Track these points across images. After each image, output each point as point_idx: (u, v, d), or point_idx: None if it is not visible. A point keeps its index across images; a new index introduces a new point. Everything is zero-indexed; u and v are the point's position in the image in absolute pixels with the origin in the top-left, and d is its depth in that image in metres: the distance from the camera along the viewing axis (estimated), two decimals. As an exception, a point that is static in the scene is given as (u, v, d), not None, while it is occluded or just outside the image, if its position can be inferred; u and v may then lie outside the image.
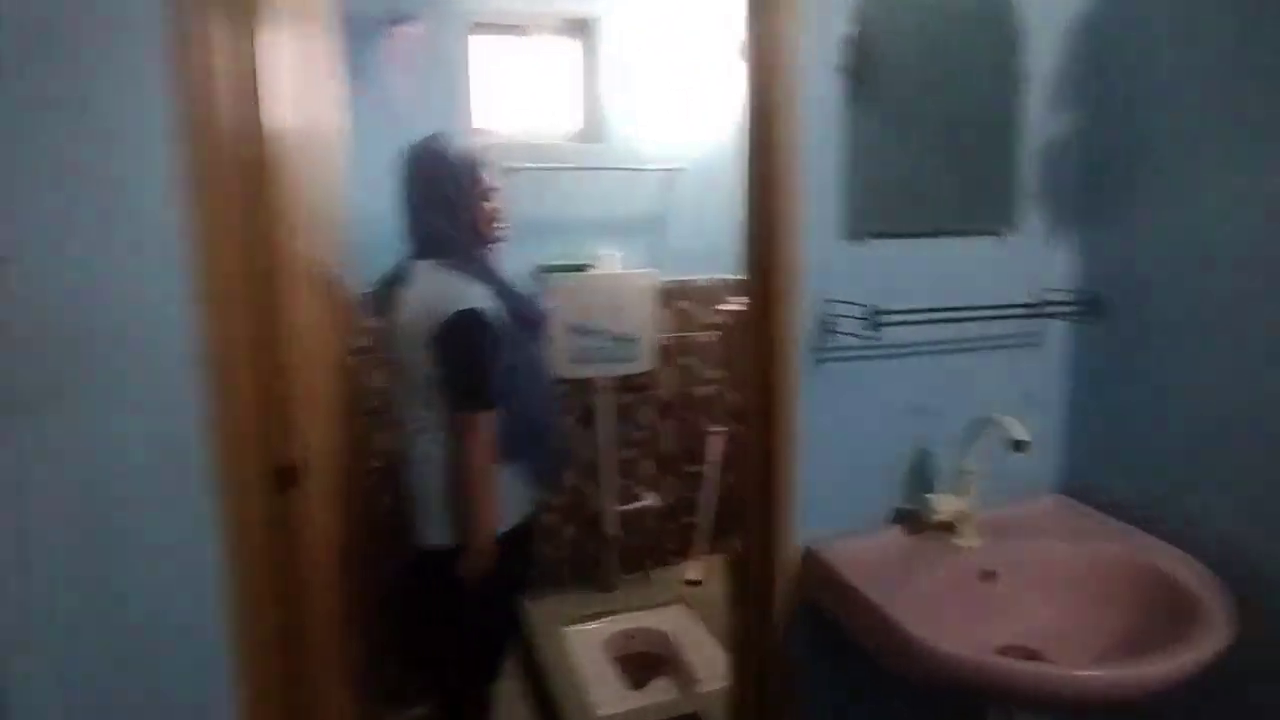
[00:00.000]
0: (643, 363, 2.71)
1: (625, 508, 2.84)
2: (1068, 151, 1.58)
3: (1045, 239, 1.60)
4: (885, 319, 1.34)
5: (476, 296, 1.63)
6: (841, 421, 1.49)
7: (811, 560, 1.47)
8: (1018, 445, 1.35)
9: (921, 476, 1.57)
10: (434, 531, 1.74)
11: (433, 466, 1.73)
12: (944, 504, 1.46)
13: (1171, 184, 1.45)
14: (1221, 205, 1.37)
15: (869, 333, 1.35)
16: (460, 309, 1.59)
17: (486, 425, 1.61)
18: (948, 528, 1.49)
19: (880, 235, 1.46)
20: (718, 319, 2.88)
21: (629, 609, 2.73)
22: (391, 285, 1.83)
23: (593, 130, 2.75)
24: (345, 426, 1.85)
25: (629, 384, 2.81)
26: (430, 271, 1.70)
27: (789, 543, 1.48)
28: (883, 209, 1.46)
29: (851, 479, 1.52)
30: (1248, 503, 1.37)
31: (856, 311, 1.38)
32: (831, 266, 1.44)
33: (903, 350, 1.50)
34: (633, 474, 2.90)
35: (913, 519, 1.54)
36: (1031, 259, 1.59)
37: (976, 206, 1.54)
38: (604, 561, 2.83)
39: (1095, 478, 1.64)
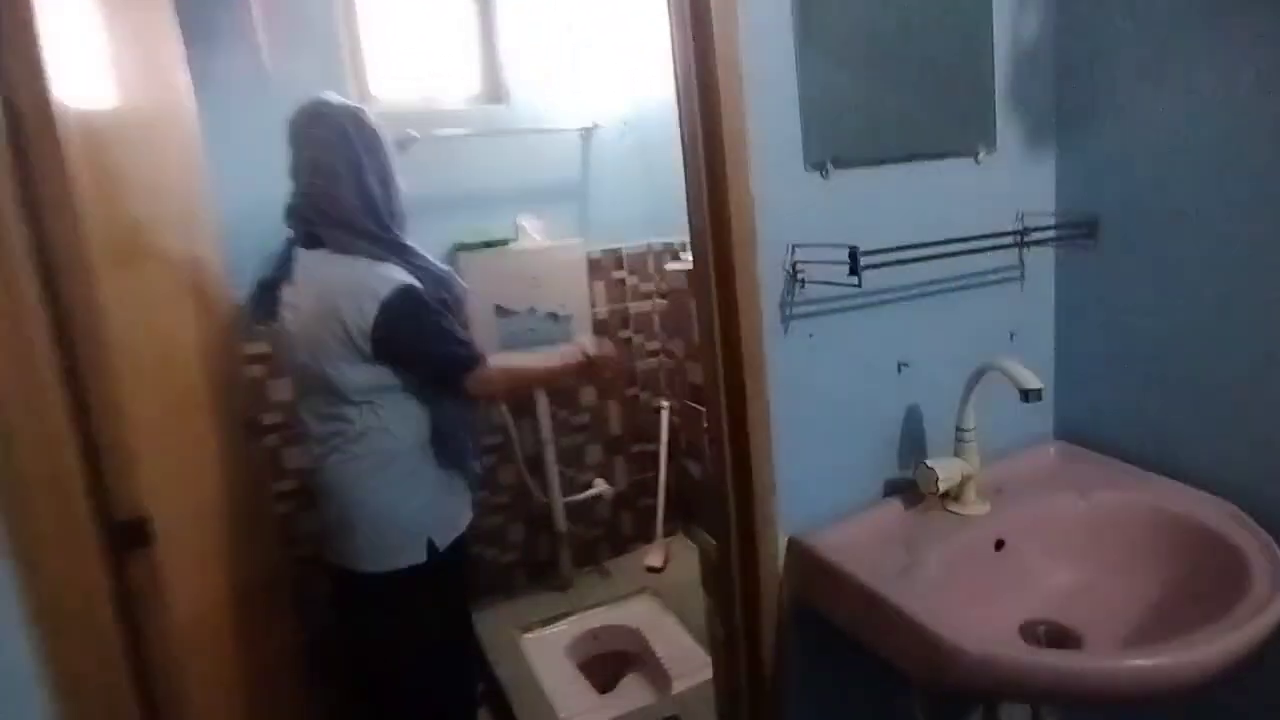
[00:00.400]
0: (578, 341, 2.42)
1: (574, 498, 2.56)
2: (1042, 54, 1.35)
3: (1026, 158, 1.37)
4: (867, 261, 1.08)
5: (402, 275, 1.42)
6: (819, 386, 1.24)
7: (800, 551, 1.23)
8: (1027, 394, 1.12)
9: (913, 440, 1.34)
10: (369, 558, 1.49)
11: (354, 485, 1.46)
12: (946, 469, 1.23)
13: (1157, 83, 1.23)
14: (1214, 106, 1.16)
15: (847, 279, 1.10)
16: (394, 288, 1.38)
17: (486, 375, 1.46)
18: (949, 495, 1.27)
19: (847, 164, 1.20)
20: (661, 286, 2.61)
21: (590, 606, 2.46)
22: (274, 285, 1.51)
23: (493, 91, 2.43)
24: (240, 451, 1.52)
25: (565, 365, 2.52)
26: (328, 261, 1.42)
27: (772, 534, 1.23)
28: (848, 134, 1.20)
29: (836, 451, 1.27)
30: (1268, 434, 1.18)
31: (830, 255, 1.13)
32: (794, 205, 1.18)
33: (880, 297, 1.25)
34: (579, 461, 2.62)
35: (909, 489, 1.31)
36: (1013, 181, 1.36)
37: (950, 125, 1.30)
38: (557, 559, 2.56)
39: (1095, 419, 1.43)
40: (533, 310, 2.33)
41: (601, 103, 2.48)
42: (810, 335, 1.21)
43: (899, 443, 1.33)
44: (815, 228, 1.18)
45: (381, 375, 1.42)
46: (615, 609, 2.46)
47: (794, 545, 1.23)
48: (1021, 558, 1.23)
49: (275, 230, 1.58)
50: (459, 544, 1.58)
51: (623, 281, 2.60)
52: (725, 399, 1.21)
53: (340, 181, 1.41)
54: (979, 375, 1.22)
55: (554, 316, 2.37)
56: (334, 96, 1.49)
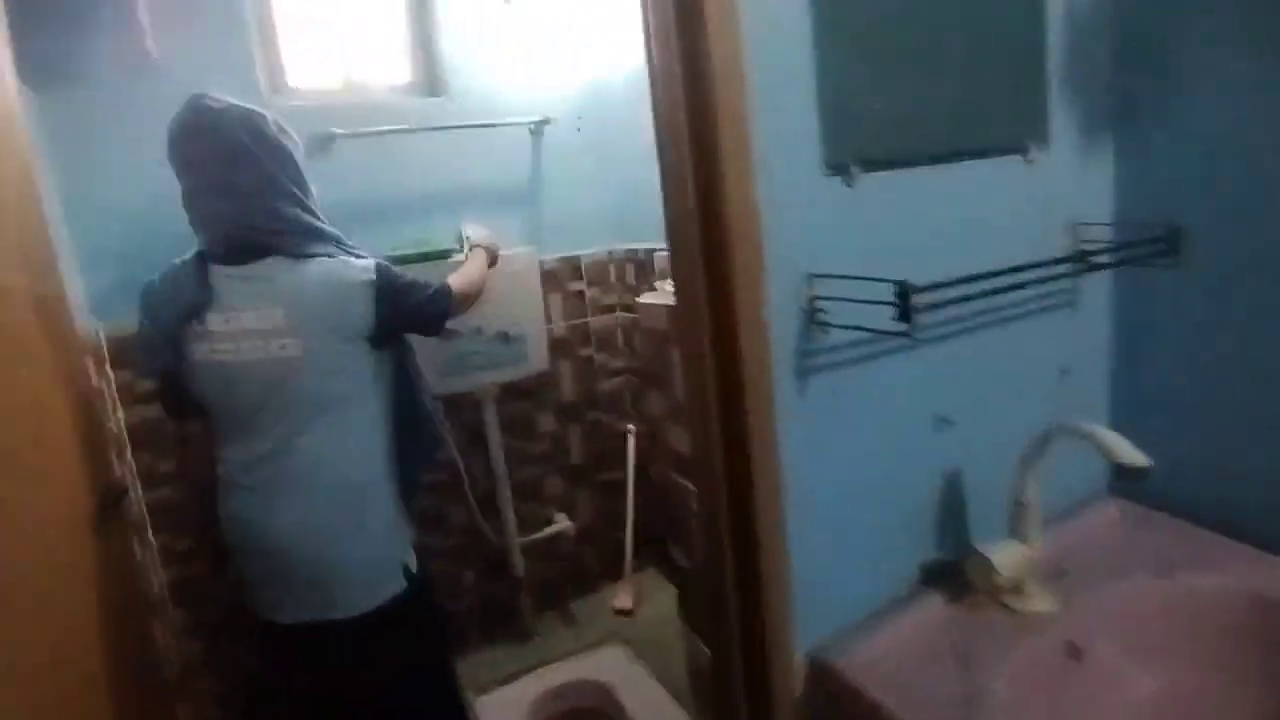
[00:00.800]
0: (533, 362, 2.09)
1: (533, 538, 2.23)
2: (1104, 22, 1.06)
3: (1084, 154, 1.07)
4: (920, 300, 0.77)
5: (366, 259, 1.32)
6: (842, 455, 0.93)
7: (825, 674, 0.92)
8: (1127, 473, 0.83)
9: (954, 514, 1.03)
10: (344, 602, 1.30)
11: (312, 522, 1.27)
12: (1004, 559, 0.93)
13: (1255, 51, 0.94)
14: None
15: (891, 324, 0.79)
16: (374, 272, 1.29)
17: (455, 302, 1.47)
18: (1003, 586, 0.97)
19: (876, 166, 0.89)
20: (624, 298, 2.27)
21: (554, 659, 2.14)
22: (195, 312, 1.25)
23: (429, 80, 2.06)
24: (90, 529, 1.16)
25: (519, 389, 2.18)
26: (294, 268, 1.24)
27: (786, 650, 0.92)
28: (877, 127, 0.88)
29: (862, 534, 0.97)
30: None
31: (862, 290, 0.82)
32: (809, 222, 0.86)
33: (918, 338, 0.95)
34: (537, 495, 2.29)
35: (950, 575, 1.01)
36: (1069, 183, 1.06)
37: (996, 115, 0.99)
38: (516, 606, 2.22)
39: (1162, 473, 1.13)
40: (479, 331, 1.98)
41: (553, 92, 2.13)
42: (833, 393, 0.90)
43: (937, 517, 1.02)
44: (837, 251, 0.87)
45: (358, 376, 1.31)
46: (582, 661, 2.13)
47: (816, 665, 0.92)
48: (1101, 666, 0.94)
49: (168, 247, 1.31)
50: (423, 566, 1.44)
51: (582, 294, 2.26)
52: (725, 475, 0.90)
53: (265, 196, 1.24)
54: (1046, 440, 0.93)
55: (505, 337, 2.02)
56: (215, 100, 1.23)
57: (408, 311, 1.35)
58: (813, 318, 0.87)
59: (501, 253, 1.98)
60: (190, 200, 1.24)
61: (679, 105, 0.83)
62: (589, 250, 2.24)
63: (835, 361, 0.90)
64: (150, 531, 1.76)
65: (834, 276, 0.85)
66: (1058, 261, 0.94)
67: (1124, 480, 0.82)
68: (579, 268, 2.24)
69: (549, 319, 2.17)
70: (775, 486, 0.88)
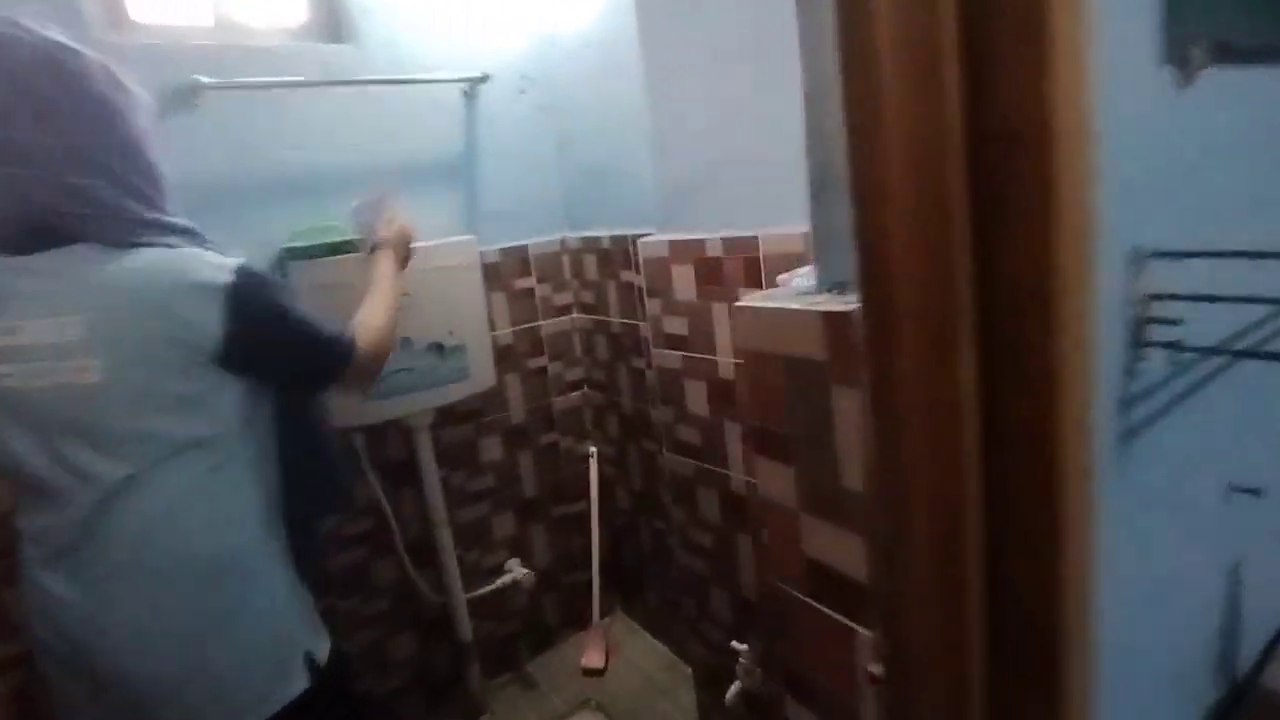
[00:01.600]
0: (475, 379, 1.57)
1: (481, 592, 1.72)
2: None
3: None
4: None
5: (226, 257, 0.91)
6: (1149, 562, 0.52)
7: None
8: None
9: (1229, 628, 0.64)
10: (223, 713, 0.93)
11: (171, 607, 0.90)
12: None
13: None
14: None
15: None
16: (233, 270, 0.88)
17: (360, 362, 1.02)
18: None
19: (1229, 55, 0.47)
20: (595, 314, 1.75)
21: (513, 741, 1.65)
22: None
23: (330, 22, 1.50)
24: None
25: (459, 412, 1.67)
26: (110, 258, 0.86)
27: None
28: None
29: (1153, 675, 0.56)
30: None
31: (1238, 278, 0.40)
32: (1134, 149, 0.44)
33: (1216, 362, 0.54)
34: (484, 539, 1.77)
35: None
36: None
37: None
38: (463, 676, 1.71)
39: None
40: (407, 342, 1.46)
41: (491, 44, 1.63)
42: (1155, 462, 0.48)
43: (1214, 638, 0.63)
44: (1176, 205, 0.45)
45: (215, 411, 0.93)
46: (550, 738, 1.66)
47: None
48: None
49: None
50: (335, 644, 1.05)
51: (531, 292, 1.76)
52: (982, 618, 0.46)
53: (69, 169, 0.86)
54: None
55: (439, 348, 1.50)
56: (15, 27, 0.83)
57: (280, 342, 0.97)
58: (1144, 334, 0.44)
59: (434, 243, 1.46)
60: None
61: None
62: (538, 239, 1.75)
63: (1159, 408, 0.47)
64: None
65: (1194, 254, 0.42)
66: None
67: None
68: (526, 260, 1.74)
69: (493, 325, 1.67)
70: (1088, 635, 0.45)
